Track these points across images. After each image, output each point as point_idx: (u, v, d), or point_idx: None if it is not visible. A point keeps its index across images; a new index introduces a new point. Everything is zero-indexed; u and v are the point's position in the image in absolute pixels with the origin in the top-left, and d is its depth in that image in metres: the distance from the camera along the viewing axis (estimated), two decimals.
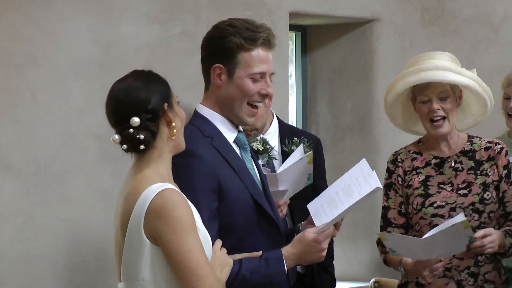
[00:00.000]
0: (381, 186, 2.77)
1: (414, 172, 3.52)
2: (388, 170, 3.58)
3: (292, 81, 5.45)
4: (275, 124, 4.06)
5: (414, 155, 3.55)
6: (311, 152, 3.65)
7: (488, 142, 3.53)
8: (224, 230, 2.72)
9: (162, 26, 4.30)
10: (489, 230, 3.33)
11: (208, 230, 2.61)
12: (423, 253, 3.27)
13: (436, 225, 3.38)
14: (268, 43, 2.84)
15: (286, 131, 4.06)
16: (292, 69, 5.44)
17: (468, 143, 3.53)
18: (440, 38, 5.39)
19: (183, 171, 2.67)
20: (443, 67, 3.45)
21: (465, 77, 3.45)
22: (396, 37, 5.30)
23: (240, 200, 2.75)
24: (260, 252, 2.72)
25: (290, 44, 5.35)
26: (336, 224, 2.85)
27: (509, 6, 5.55)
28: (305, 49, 5.51)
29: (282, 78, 4.82)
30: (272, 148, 3.89)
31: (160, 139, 2.53)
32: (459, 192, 3.42)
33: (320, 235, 2.73)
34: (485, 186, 3.43)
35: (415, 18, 5.36)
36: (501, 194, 3.47)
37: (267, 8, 4.71)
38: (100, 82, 4.08)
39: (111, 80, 4.05)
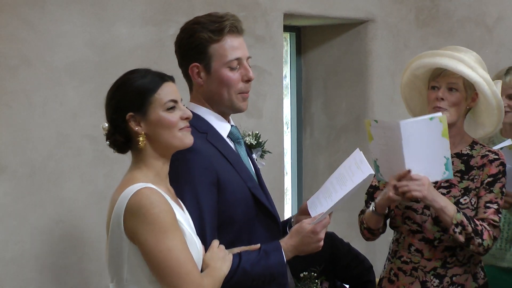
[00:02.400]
0: (373, 172, 2.79)
1: None
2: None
3: (286, 82, 5.46)
4: None
5: None
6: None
7: (488, 151, 3.46)
8: (223, 223, 2.73)
9: (156, 27, 4.30)
10: (421, 176, 3.22)
11: (210, 224, 2.64)
12: (400, 160, 3.19)
13: (408, 217, 3.41)
14: (235, 30, 2.83)
15: None
16: (286, 70, 5.45)
17: (467, 148, 3.47)
18: (434, 38, 5.40)
19: (182, 166, 2.67)
20: (459, 58, 3.41)
21: (476, 74, 3.39)
22: (391, 38, 5.31)
23: (238, 193, 2.77)
24: (259, 245, 2.73)
25: (285, 45, 5.35)
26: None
27: (503, 6, 5.57)
28: (299, 50, 5.51)
29: (276, 79, 4.83)
30: (265, 142, 3.90)
31: (136, 144, 2.55)
32: (438, 190, 3.36)
33: (317, 225, 2.75)
34: (466, 191, 3.38)
35: (410, 19, 5.37)
36: (476, 199, 3.40)
37: (262, 9, 4.71)
38: (95, 84, 4.08)
39: (106, 81, 4.05)
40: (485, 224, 3.33)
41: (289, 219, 3.04)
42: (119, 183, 2.59)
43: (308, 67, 5.51)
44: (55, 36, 3.99)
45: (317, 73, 5.48)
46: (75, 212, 4.04)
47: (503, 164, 3.43)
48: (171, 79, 2.61)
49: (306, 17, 5.04)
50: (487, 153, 3.43)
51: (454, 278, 3.40)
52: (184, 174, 2.68)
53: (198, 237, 2.59)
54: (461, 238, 3.29)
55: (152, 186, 2.47)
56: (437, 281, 3.40)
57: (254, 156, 3.33)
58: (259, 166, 3.10)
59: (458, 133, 3.47)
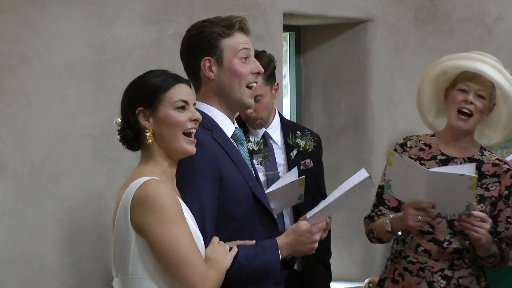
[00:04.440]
0: (369, 175, 2.77)
1: (418, 162, 3.48)
2: (394, 150, 3.55)
3: (286, 81, 5.46)
4: (277, 119, 4.12)
5: (423, 146, 3.53)
6: (304, 177, 3.70)
7: (498, 159, 3.50)
8: (223, 220, 2.75)
9: (156, 27, 4.30)
10: (487, 217, 3.31)
11: (210, 218, 2.66)
12: (420, 192, 3.23)
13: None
14: (245, 27, 2.89)
15: (288, 126, 4.12)
16: (286, 70, 5.45)
17: (478, 153, 3.51)
18: (433, 38, 5.40)
19: (186, 158, 2.69)
20: (499, 68, 3.46)
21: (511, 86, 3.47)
22: (390, 38, 5.31)
23: (240, 190, 2.78)
24: (254, 241, 2.75)
25: (284, 45, 5.35)
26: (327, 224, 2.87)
27: (502, 6, 5.57)
28: (299, 49, 5.51)
29: (276, 79, 4.82)
30: (267, 148, 3.92)
31: (144, 140, 2.57)
32: None
33: (314, 226, 2.77)
34: (481, 199, 3.41)
35: (409, 19, 5.37)
36: (496, 212, 3.45)
37: (261, 9, 4.71)
38: (94, 83, 4.08)
39: (105, 81, 4.10)
40: (506, 246, 3.46)
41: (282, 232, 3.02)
42: (122, 183, 2.59)
43: (307, 66, 5.52)
44: (55, 36, 3.99)
45: (317, 72, 5.48)
46: (75, 212, 4.04)
47: None
48: (186, 82, 2.66)
49: (305, 16, 5.05)
50: (497, 162, 3.49)
51: (460, 280, 3.43)
52: (187, 167, 2.69)
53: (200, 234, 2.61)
54: (490, 266, 3.44)
55: (158, 178, 2.50)
56: (444, 282, 3.41)
57: (254, 161, 3.35)
58: (259, 172, 3.13)
59: (471, 139, 3.52)
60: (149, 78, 2.61)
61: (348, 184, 2.83)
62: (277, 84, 4.09)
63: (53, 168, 3.98)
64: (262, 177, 3.89)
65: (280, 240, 2.78)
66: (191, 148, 2.60)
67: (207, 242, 2.64)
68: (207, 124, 2.81)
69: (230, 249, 2.67)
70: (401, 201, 3.46)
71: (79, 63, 4.05)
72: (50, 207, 3.97)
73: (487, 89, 3.43)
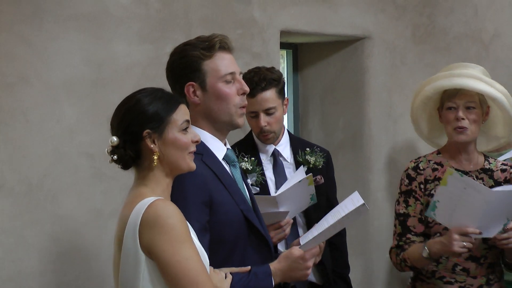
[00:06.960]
0: (364, 202, 2.78)
1: (437, 182, 3.47)
2: (408, 176, 3.52)
3: None
4: (286, 136, 4.13)
5: (435, 166, 3.54)
6: (311, 174, 3.70)
7: (503, 164, 3.54)
8: (214, 243, 2.75)
9: (153, 45, 4.30)
10: None
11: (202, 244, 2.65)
12: (470, 216, 3.17)
13: None
14: (226, 46, 2.88)
15: (297, 143, 4.12)
16: None
17: (486, 162, 3.53)
18: (431, 55, 5.42)
19: (176, 184, 2.70)
20: (476, 76, 3.48)
21: (495, 90, 3.47)
22: (387, 55, 5.32)
23: (230, 214, 2.78)
24: (249, 267, 2.76)
25: (282, 62, 5.36)
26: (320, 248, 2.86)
27: (499, 23, 5.59)
28: (296, 67, 5.52)
29: None
30: (261, 170, 3.92)
31: (146, 161, 2.58)
32: None
33: (307, 253, 2.77)
34: None
35: (406, 36, 5.38)
36: None
37: (258, 26, 4.72)
38: (92, 101, 4.08)
39: (103, 98, 4.09)
40: None
41: (279, 253, 3.04)
42: (125, 201, 2.58)
43: (305, 84, 5.52)
44: (52, 54, 3.99)
45: (314, 90, 5.49)
46: (73, 230, 4.03)
47: None
48: (183, 102, 2.67)
49: (302, 34, 5.06)
50: (503, 167, 3.51)
51: None
52: (177, 193, 2.69)
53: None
54: None
55: (163, 198, 2.52)
56: None
57: (249, 181, 3.33)
58: (253, 191, 3.12)
59: (475, 149, 3.53)
60: (150, 99, 2.61)
61: (341, 209, 2.84)
62: (287, 99, 4.09)
63: (50, 186, 3.97)
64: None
65: (273, 266, 2.78)
66: (193, 164, 2.64)
67: None
68: (197, 148, 2.79)
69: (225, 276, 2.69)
70: (431, 226, 3.44)
71: (76, 81, 4.05)
72: (47, 226, 3.95)
73: (474, 98, 3.47)
